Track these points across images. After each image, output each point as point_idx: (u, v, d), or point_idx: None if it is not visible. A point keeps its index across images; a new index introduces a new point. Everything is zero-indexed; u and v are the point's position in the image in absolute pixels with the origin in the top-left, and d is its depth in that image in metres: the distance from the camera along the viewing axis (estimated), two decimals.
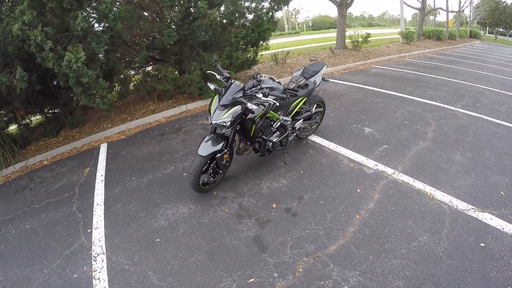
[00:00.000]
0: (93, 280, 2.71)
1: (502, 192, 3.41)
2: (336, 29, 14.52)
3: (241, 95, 3.25)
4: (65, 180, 4.59)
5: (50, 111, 6.94)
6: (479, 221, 2.98)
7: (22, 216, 3.87)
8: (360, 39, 13.29)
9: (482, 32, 38.95)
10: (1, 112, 5.85)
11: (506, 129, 5.22)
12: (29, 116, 6.72)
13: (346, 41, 13.82)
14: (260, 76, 3.75)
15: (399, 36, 17.97)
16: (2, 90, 4.81)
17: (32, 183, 4.71)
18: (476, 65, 12.73)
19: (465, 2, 28.16)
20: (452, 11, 27.13)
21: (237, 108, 3.21)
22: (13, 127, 6.70)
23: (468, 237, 2.79)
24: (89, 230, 3.37)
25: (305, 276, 2.51)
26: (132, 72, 7.94)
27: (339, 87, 8.06)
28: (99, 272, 2.80)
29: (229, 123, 3.17)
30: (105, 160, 5.02)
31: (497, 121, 5.58)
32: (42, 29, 4.58)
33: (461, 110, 6.13)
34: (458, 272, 2.45)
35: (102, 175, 4.51)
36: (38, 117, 7.24)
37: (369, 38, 13.52)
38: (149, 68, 7.95)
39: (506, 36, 40.93)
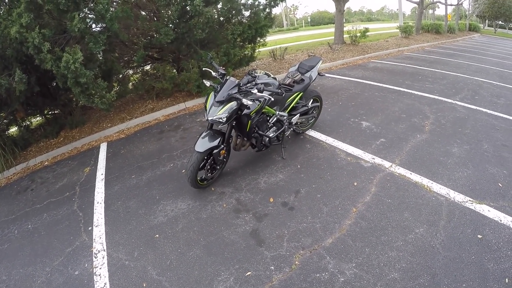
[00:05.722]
0: (94, 277, 2.75)
1: (500, 184, 3.41)
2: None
3: (236, 91, 3.28)
4: (66, 180, 4.63)
5: (50, 112, 6.97)
6: (476, 213, 2.99)
7: (24, 216, 3.90)
8: (358, 34, 13.27)
9: (482, 25, 38.56)
10: (1, 114, 5.89)
11: (505, 121, 5.22)
12: (29, 117, 6.77)
13: (344, 36, 13.79)
14: (255, 72, 3.78)
15: (398, 30, 17.90)
16: (2, 92, 4.84)
17: (34, 184, 4.75)
18: (475, 58, 12.68)
19: None
20: (451, 5, 26.99)
21: (233, 104, 3.23)
22: (13, 129, 6.75)
23: (465, 229, 2.80)
24: (90, 228, 3.41)
25: (302, 269, 2.54)
26: (131, 72, 7.98)
27: (337, 82, 8.06)
28: (100, 268, 2.84)
29: (225, 119, 3.20)
30: (105, 159, 5.06)
31: (496, 113, 5.58)
32: (40, 31, 4.60)
33: (460, 103, 6.12)
34: (455, 263, 2.46)
35: (102, 174, 4.55)
36: (38, 118, 7.27)
37: (368, 33, 13.53)
38: (148, 67, 7.98)
39: (506, 29, 40.52)
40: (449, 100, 6.30)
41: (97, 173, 4.62)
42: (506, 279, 2.30)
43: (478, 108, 5.86)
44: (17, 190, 4.70)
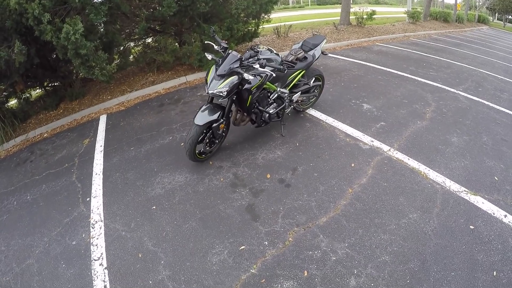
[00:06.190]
0: (91, 247, 2.80)
1: (496, 178, 3.42)
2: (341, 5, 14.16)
3: (238, 65, 3.24)
4: (65, 152, 4.64)
5: (50, 84, 6.89)
6: (470, 203, 3.01)
7: (23, 188, 3.93)
8: (364, 16, 13.01)
9: (491, 18, 37.73)
10: (1, 86, 5.84)
11: (506, 116, 5.18)
12: (29, 89, 6.70)
13: (350, 17, 13.49)
14: (258, 47, 3.72)
15: (405, 15, 17.54)
16: (1, 64, 4.75)
17: (33, 156, 4.75)
18: (482, 51, 12.44)
19: None
20: None
21: (234, 78, 3.20)
22: (13, 102, 6.72)
23: (458, 218, 2.83)
24: (88, 199, 3.44)
25: (295, 246, 2.59)
26: (132, 44, 7.81)
27: (341, 63, 7.95)
28: (97, 238, 2.88)
29: (225, 93, 3.17)
30: (104, 131, 5.04)
31: (498, 107, 5.53)
32: (40, 2, 4.50)
33: (462, 93, 6.06)
34: (445, 251, 2.50)
35: (101, 146, 4.55)
36: (37, 90, 7.22)
37: (374, 16, 13.21)
38: (149, 40, 7.82)
39: None
40: (452, 90, 6.23)
41: (96, 145, 4.62)
42: (494, 272, 2.34)
43: (480, 100, 5.80)
44: (17, 162, 4.71)
